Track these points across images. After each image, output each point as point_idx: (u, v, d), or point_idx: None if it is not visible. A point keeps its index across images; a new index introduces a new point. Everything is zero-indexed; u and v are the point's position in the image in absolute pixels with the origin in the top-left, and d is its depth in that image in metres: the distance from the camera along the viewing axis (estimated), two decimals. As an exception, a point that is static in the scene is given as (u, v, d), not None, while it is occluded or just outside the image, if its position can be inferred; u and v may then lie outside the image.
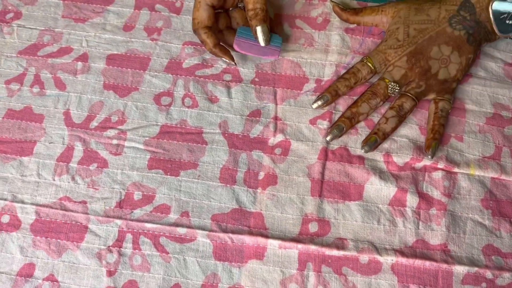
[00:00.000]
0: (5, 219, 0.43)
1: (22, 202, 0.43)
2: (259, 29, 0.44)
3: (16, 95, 0.47)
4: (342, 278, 0.41)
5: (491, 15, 0.44)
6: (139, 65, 0.49)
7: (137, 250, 0.41)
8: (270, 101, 0.47)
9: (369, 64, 0.46)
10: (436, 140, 0.43)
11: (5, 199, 0.43)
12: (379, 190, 0.43)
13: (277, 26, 0.50)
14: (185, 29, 0.51)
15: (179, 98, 0.47)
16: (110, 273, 0.41)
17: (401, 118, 0.44)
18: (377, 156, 0.45)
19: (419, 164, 0.44)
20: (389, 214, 0.43)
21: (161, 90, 0.48)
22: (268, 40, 0.45)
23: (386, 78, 0.45)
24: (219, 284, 0.40)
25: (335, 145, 0.45)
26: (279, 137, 0.46)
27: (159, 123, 0.46)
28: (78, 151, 0.45)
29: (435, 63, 0.45)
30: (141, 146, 0.45)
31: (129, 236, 0.42)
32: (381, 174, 0.44)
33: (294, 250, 0.41)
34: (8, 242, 0.42)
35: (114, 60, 0.49)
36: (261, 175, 0.44)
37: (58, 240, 0.42)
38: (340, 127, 0.44)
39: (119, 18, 0.51)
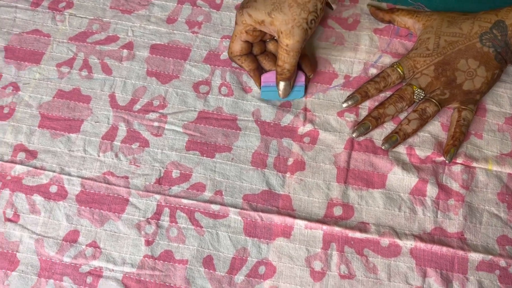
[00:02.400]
0: (53, 189, 0.46)
1: (69, 174, 0.47)
2: (281, 84, 0.47)
3: (66, 77, 0.51)
4: (363, 258, 0.43)
5: None
6: (180, 55, 0.52)
7: (173, 223, 0.45)
8: (294, 99, 0.50)
9: (399, 70, 0.48)
10: (455, 146, 0.46)
11: (54, 171, 0.47)
12: (401, 179, 0.46)
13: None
14: (223, 24, 0.54)
15: (216, 87, 0.51)
16: (148, 243, 0.44)
17: (423, 121, 0.47)
18: (401, 148, 0.48)
19: (439, 158, 0.47)
20: (410, 203, 0.45)
21: (200, 79, 0.51)
22: (286, 95, 0.48)
23: (413, 84, 0.48)
24: (248, 258, 0.43)
25: (361, 136, 0.48)
26: (308, 127, 0.49)
27: (197, 109, 0.50)
28: (122, 131, 0.49)
29: (461, 74, 0.47)
30: (180, 129, 0.49)
31: (166, 210, 0.45)
32: (403, 165, 0.47)
33: (319, 230, 0.44)
34: (56, 210, 0.45)
35: (157, 49, 0.53)
36: (290, 161, 0.47)
37: (101, 211, 0.45)
38: (366, 126, 0.47)
39: (163, 11, 0.55)
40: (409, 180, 0.46)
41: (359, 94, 0.48)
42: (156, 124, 0.49)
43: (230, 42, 0.48)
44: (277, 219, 0.45)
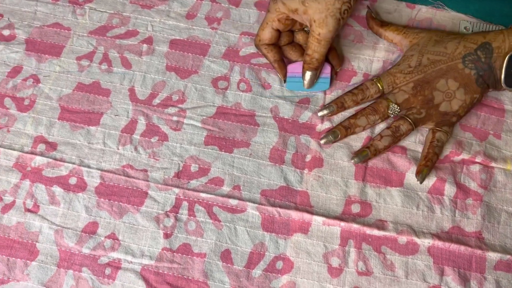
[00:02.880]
0: (73, 181, 0.46)
1: (89, 166, 0.47)
2: (307, 74, 0.47)
3: (86, 71, 0.52)
4: (381, 256, 0.43)
5: (504, 64, 0.45)
6: (200, 51, 0.53)
7: (192, 217, 0.45)
8: (319, 91, 0.50)
9: (378, 85, 0.48)
10: (427, 167, 0.45)
11: (73, 163, 0.47)
12: (419, 178, 0.46)
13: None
14: (242, 21, 0.54)
15: (234, 83, 0.51)
16: (166, 236, 0.44)
17: (395, 139, 0.46)
18: (419, 148, 0.48)
19: (457, 158, 0.47)
20: (428, 201, 0.45)
21: (219, 75, 0.52)
22: (311, 85, 0.48)
23: (389, 99, 0.47)
24: (266, 253, 0.44)
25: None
26: (326, 124, 0.49)
27: (215, 104, 0.50)
28: (141, 125, 0.49)
29: (439, 94, 0.46)
30: (199, 124, 0.49)
31: (185, 204, 0.46)
32: (421, 164, 0.47)
33: (337, 227, 0.44)
34: (75, 202, 0.46)
35: (176, 44, 0.53)
36: (308, 157, 0.48)
37: (120, 203, 0.46)
38: (335, 134, 0.47)
39: (182, 7, 0.55)
40: (427, 179, 0.46)
41: (336, 104, 0.48)
42: (175, 118, 0.49)
43: (260, 29, 0.48)
44: (295, 214, 0.45)
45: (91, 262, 0.43)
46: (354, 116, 0.48)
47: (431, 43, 0.48)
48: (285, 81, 0.50)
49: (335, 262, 0.43)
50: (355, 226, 0.44)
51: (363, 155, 0.46)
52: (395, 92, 0.47)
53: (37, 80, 0.51)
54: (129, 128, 0.49)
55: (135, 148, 0.48)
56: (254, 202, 0.45)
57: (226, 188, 0.46)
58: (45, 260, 0.43)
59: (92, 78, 0.51)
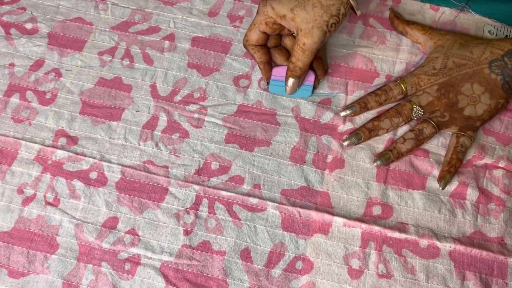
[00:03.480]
0: (94, 175, 0.47)
1: (109, 161, 0.47)
2: (290, 81, 0.47)
3: (107, 66, 0.52)
4: (401, 259, 0.43)
5: None
6: (221, 49, 0.53)
7: (212, 214, 0.45)
8: (341, 91, 0.50)
9: (402, 86, 0.47)
10: (450, 173, 0.45)
11: (94, 158, 0.47)
12: (441, 182, 0.46)
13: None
14: (265, 19, 0.54)
15: (255, 81, 0.51)
16: (186, 232, 0.44)
17: (419, 142, 0.46)
18: (441, 151, 0.47)
19: (480, 162, 0.47)
20: (450, 205, 0.45)
21: (240, 73, 0.51)
22: (292, 92, 0.48)
23: (412, 101, 0.47)
24: (285, 253, 0.43)
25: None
26: (348, 125, 0.49)
27: (236, 103, 0.50)
28: (162, 121, 0.49)
29: (464, 98, 0.46)
30: (220, 122, 0.49)
31: (205, 201, 0.45)
32: (444, 168, 0.46)
33: (357, 229, 0.44)
34: (95, 196, 0.46)
35: (198, 42, 0.53)
36: (329, 158, 0.47)
37: (140, 199, 0.46)
38: (359, 136, 0.47)
39: (204, 4, 0.55)
40: (450, 183, 0.46)
41: (358, 104, 0.48)
42: (196, 115, 0.49)
43: (248, 30, 0.48)
44: (315, 215, 0.45)
45: (110, 257, 0.43)
46: (377, 118, 0.47)
47: (456, 46, 0.47)
48: (268, 83, 0.50)
49: (355, 264, 0.43)
50: (376, 228, 0.44)
51: (385, 158, 0.45)
52: (419, 94, 0.47)
53: (59, 74, 0.51)
54: (150, 124, 0.49)
55: (156, 144, 0.48)
56: (274, 202, 0.45)
57: (246, 187, 0.46)
58: (65, 253, 0.43)
59: (113, 74, 0.51)
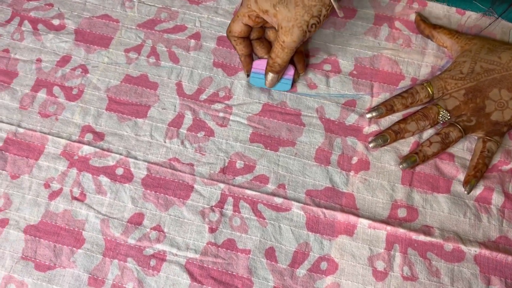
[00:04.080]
0: (120, 171, 0.47)
1: (135, 158, 0.47)
2: (269, 75, 0.48)
3: (134, 63, 0.52)
4: (426, 262, 0.43)
5: None
6: (247, 48, 0.53)
7: (236, 213, 0.45)
8: (366, 93, 0.50)
9: (429, 89, 0.47)
10: (476, 178, 0.45)
11: (120, 154, 0.47)
12: (467, 186, 0.46)
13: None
14: (290, 20, 0.54)
15: (280, 82, 0.51)
16: (212, 230, 0.44)
17: (445, 145, 0.46)
18: (467, 155, 0.47)
19: (506, 167, 0.47)
20: (475, 209, 0.45)
21: (265, 73, 0.52)
22: (271, 86, 0.49)
23: (439, 105, 0.47)
24: (310, 253, 0.44)
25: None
26: (374, 127, 0.49)
27: (261, 102, 0.50)
28: (188, 119, 0.49)
29: (491, 103, 0.46)
30: (245, 121, 0.49)
31: (230, 199, 0.46)
32: (469, 172, 0.46)
33: (382, 231, 0.44)
34: (121, 192, 0.46)
35: (224, 41, 0.53)
36: (354, 159, 0.47)
37: (166, 196, 0.46)
38: (385, 138, 0.47)
39: (230, 4, 0.55)
40: (475, 187, 0.46)
41: (385, 107, 0.48)
42: (221, 114, 0.49)
43: (231, 21, 0.48)
44: (341, 216, 0.45)
45: (136, 252, 0.44)
46: (404, 120, 0.47)
47: (484, 50, 0.47)
48: (248, 75, 0.50)
49: (380, 265, 0.43)
50: (401, 230, 0.44)
51: (411, 161, 0.46)
52: (446, 98, 0.47)
53: (85, 70, 0.52)
54: (176, 122, 0.49)
55: (182, 142, 0.48)
56: (299, 202, 0.45)
57: (271, 186, 0.46)
58: (91, 248, 0.44)
59: (140, 71, 0.52)
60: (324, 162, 0.47)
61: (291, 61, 0.49)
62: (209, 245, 0.44)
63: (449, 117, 0.47)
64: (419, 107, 0.49)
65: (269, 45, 0.50)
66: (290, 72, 0.49)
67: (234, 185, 0.46)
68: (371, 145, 0.47)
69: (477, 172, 0.45)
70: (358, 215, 0.45)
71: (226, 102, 0.50)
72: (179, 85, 0.51)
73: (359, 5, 0.55)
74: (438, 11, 0.54)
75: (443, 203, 0.45)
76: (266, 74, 0.48)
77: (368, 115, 0.48)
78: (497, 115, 0.46)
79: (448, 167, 0.47)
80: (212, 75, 0.51)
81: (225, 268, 0.43)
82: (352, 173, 0.47)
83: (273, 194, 0.46)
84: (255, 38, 0.49)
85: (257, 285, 0.42)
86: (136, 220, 0.45)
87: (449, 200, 0.45)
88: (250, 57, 0.50)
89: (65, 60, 0.52)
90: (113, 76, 0.51)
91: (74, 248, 0.44)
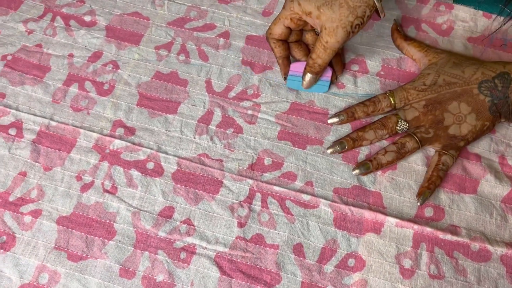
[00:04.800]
0: (150, 165, 0.48)
1: (166, 153, 0.48)
2: (307, 76, 0.48)
3: (164, 60, 0.53)
4: (453, 261, 0.44)
5: None
6: (275, 47, 0.54)
7: (265, 208, 0.46)
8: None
9: (391, 99, 0.48)
10: (429, 189, 0.45)
11: (151, 148, 0.48)
12: (493, 187, 0.46)
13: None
14: (318, 20, 0.55)
15: (308, 81, 0.52)
16: (240, 225, 0.45)
17: (400, 155, 0.46)
18: (493, 156, 0.48)
19: (532, 169, 0.47)
20: (501, 210, 0.45)
21: (293, 72, 0.52)
22: (308, 87, 0.49)
23: (399, 115, 0.47)
24: (338, 250, 0.44)
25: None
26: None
27: (289, 100, 0.51)
28: (217, 116, 0.50)
29: (450, 116, 0.46)
30: (273, 119, 0.50)
31: (258, 195, 0.46)
32: (496, 174, 0.47)
33: (409, 229, 0.45)
34: (152, 186, 0.47)
35: (252, 40, 0.54)
36: (381, 159, 0.48)
37: (196, 190, 0.47)
38: (342, 145, 0.47)
39: (259, 4, 0.56)
40: (502, 188, 0.46)
41: (346, 113, 0.48)
42: (250, 112, 0.50)
43: (272, 23, 0.49)
44: (368, 214, 0.45)
45: (166, 245, 0.44)
46: (362, 129, 0.48)
47: (449, 64, 0.48)
48: (285, 78, 0.51)
49: (407, 263, 0.43)
50: (428, 229, 0.44)
51: (365, 168, 0.46)
52: (406, 108, 0.47)
53: (116, 66, 0.53)
54: (206, 119, 0.50)
55: (211, 138, 0.49)
56: (326, 199, 0.46)
57: (298, 183, 0.47)
58: (122, 240, 0.44)
59: (170, 68, 0.53)
60: (352, 161, 0.48)
61: (329, 64, 0.50)
62: (238, 240, 0.44)
63: (407, 128, 0.47)
64: (381, 116, 0.49)
65: (306, 48, 0.51)
66: (328, 73, 0.50)
67: (262, 181, 0.47)
68: (328, 151, 0.47)
69: (431, 184, 0.45)
70: (385, 214, 0.45)
71: (254, 100, 0.51)
72: (208, 82, 0.52)
73: (386, 6, 0.55)
74: (464, 14, 0.55)
75: (470, 203, 0.46)
76: (304, 75, 0.49)
77: (330, 121, 0.49)
78: (455, 129, 0.46)
79: (475, 168, 0.47)
80: (241, 73, 0.52)
81: (253, 262, 0.44)
82: (379, 172, 0.47)
83: (301, 191, 0.46)
84: (293, 40, 0.50)
85: (286, 280, 0.43)
86: (167, 214, 0.46)
87: (476, 201, 0.46)
88: (288, 59, 0.50)
89: (96, 55, 0.53)
90: (144, 72, 0.52)
91: (106, 240, 0.44)
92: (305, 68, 0.48)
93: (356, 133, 0.48)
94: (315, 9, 0.45)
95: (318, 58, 0.47)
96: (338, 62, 0.51)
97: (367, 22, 0.45)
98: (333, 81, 0.51)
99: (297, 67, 0.50)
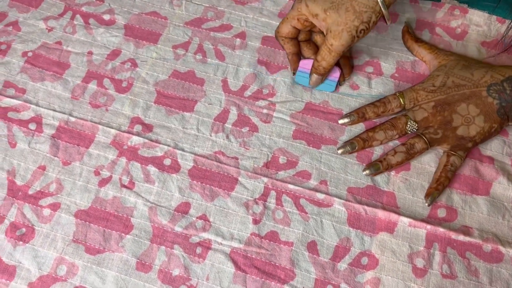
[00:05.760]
0: (167, 162, 0.49)
1: (183, 150, 0.49)
2: (313, 76, 0.49)
3: (181, 59, 0.54)
4: (465, 261, 0.44)
5: None
6: (290, 48, 0.54)
7: (279, 206, 0.46)
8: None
9: (401, 99, 0.48)
10: (438, 190, 0.45)
11: (168, 145, 0.49)
12: (506, 189, 0.47)
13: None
14: (333, 23, 0.56)
15: (322, 82, 0.53)
16: (255, 222, 0.46)
17: (409, 156, 0.47)
18: (506, 159, 0.48)
19: (544, 172, 0.48)
20: (514, 212, 0.46)
21: (308, 73, 0.53)
22: (315, 86, 0.51)
23: (408, 116, 0.48)
24: (351, 248, 0.45)
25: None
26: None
27: (304, 100, 0.52)
28: (233, 115, 0.51)
29: (458, 118, 0.46)
30: (288, 118, 0.51)
31: (273, 193, 0.47)
32: (508, 176, 0.47)
33: (422, 229, 0.45)
34: (169, 182, 0.48)
35: (268, 41, 0.55)
36: (395, 159, 0.49)
37: (212, 187, 0.47)
38: (353, 145, 0.48)
39: (275, 6, 0.57)
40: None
41: (357, 114, 0.49)
42: (265, 111, 0.51)
43: (281, 22, 0.50)
44: (382, 214, 0.46)
45: (182, 240, 0.45)
46: (372, 129, 0.48)
47: (458, 66, 0.48)
48: (294, 73, 0.52)
49: (419, 263, 0.44)
50: (440, 230, 0.45)
51: (375, 168, 0.47)
52: (415, 109, 0.48)
53: (134, 64, 0.54)
54: (222, 117, 0.51)
55: (227, 136, 0.50)
56: (340, 198, 0.47)
57: (313, 182, 0.48)
58: (139, 234, 0.45)
59: (187, 67, 0.53)
60: (366, 161, 0.49)
61: (338, 64, 0.51)
62: (252, 236, 0.45)
63: (416, 128, 0.48)
64: (391, 117, 0.50)
65: (316, 47, 0.52)
66: (336, 74, 0.51)
67: (277, 179, 0.48)
68: (339, 151, 0.48)
69: (439, 185, 0.46)
70: (398, 213, 0.46)
71: (270, 99, 0.52)
72: (224, 81, 0.53)
73: (401, 10, 0.56)
74: (479, 18, 0.55)
75: (482, 205, 0.46)
76: (310, 74, 0.50)
77: (340, 121, 0.49)
78: (463, 130, 0.46)
79: (488, 170, 0.48)
80: (256, 72, 0.53)
81: (268, 259, 0.44)
82: (393, 172, 0.48)
83: (315, 189, 0.47)
84: (302, 40, 0.51)
85: (300, 277, 0.44)
86: (183, 209, 0.46)
87: (488, 202, 0.46)
88: (298, 55, 0.51)
89: (115, 53, 0.54)
90: (161, 71, 0.53)
91: (123, 234, 0.45)
92: (311, 69, 0.49)
93: (366, 134, 0.48)
94: (321, 11, 0.46)
95: (323, 61, 0.47)
96: (346, 64, 0.51)
97: (373, 27, 0.46)
98: (340, 82, 0.52)
99: (306, 64, 0.51)
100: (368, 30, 0.46)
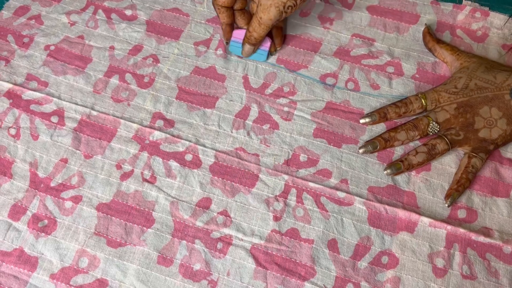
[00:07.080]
0: (189, 157, 0.49)
1: (204, 145, 0.49)
2: (246, 46, 0.51)
3: (202, 56, 0.54)
4: (485, 262, 0.44)
5: None
6: (311, 47, 0.55)
7: (300, 204, 0.47)
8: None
9: (422, 100, 0.48)
10: (458, 192, 0.46)
11: (190, 141, 0.49)
12: (526, 192, 0.47)
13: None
14: (354, 23, 0.56)
15: (343, 81, 0.53)
16: (276, 218, 0.46)
17: (430, 156, 0.47)
18: (526, 161, 0.48)
19: None
20: (534, 215, 0.46)
21: (328, 71, 0.53)
22: (247, 56, 0.52)
23: (430, 117, 0.48)
24: (372, 247, 0.45)
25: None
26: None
27: (324, 100, 0.52)
28: (254, 112, 0.51)
29: (480, 120, 0.47)
30: (308, 117, 0.51)
31: (293, 191, 0.47)
32: (529, 178, 0.47)
33: (443, 230, 0.45)
34: (190, 177, 0.48)
35: (288, 40, 0.55)
36: (415, 160, 0.49)
37: (232, 183, 0.48)
38: (374, 145, 0.48)
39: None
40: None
41: (378, 114, 0.49)
42: (286, 109, 0.51)
43: None
44: (402, 213, 0.46)
45: (204, 235, 0.45)
46: (394, 129, 0.49)
47: (481, 69, 0.49)
48: (227, 43, 0.53)
49: (439, 263, 0.44)
50: (461, 230, 0.45)
51: (396, 168, 0.47)
52: (437, 110, 0.48)
53: (156, 60, 0.54)
54: (243, 114, 0.51)
55: (248, 133, 0.50)
56: (361, 197, 0.47)
57: (333, 181, 0.48)
58: (160, 228, 0.46)
59: (208, 63, 0.54)
60: (386, 161, 0.49)
61: (270, 34, 0.53)
62: (273, 233, 0.45)
63: (438, 129, 0.48)
64: (412, 117, 0.50)
65: (250, 17, 0.52)
66: (266, 44, 0.52)
67: (297, 177, 0.48)
68: (360, 151, 0.48)
69: (460, 187, 0.46)
70: (419, 213, 0.46)
71: (290, 97, 0.52)
72: (245, 78, 0.53)
73: (422, 11, 0.56)
74: (499, 21, 0.55)
75: (502, 206, 0.46)
76: (243, 44, 0.51)
77: (362, 121, 0.50)
78: (485, 133, 0.47)
79: (508, 172, 0.48)
80: (276, 71, 0.53)
81: (288, 256, 0.45)
82: (413, 173, 0.48)
83: (336, 188, 0.47)
84: (237, 9, 0.52)
85: (320, 274, 0.44)
86: (204, 204, 0.47)
87: (508, 204, 0.46)
88: (231, 26, 0.53)
89: (137, 49, 0.55)
90: (183, 67, 0.54)
91: (144, 228, 0.46)
92: (243, 39, 0.50)
93: (388, 134, 0.48)
94: None
95: (254, 32, 0.49)
96: (278, 35, 0.53)
97: (301, 5, 0.47)
98: (271, 52, 0.53)
99: (239, 34, 0.52)
100: (295, 6, 0.47)
